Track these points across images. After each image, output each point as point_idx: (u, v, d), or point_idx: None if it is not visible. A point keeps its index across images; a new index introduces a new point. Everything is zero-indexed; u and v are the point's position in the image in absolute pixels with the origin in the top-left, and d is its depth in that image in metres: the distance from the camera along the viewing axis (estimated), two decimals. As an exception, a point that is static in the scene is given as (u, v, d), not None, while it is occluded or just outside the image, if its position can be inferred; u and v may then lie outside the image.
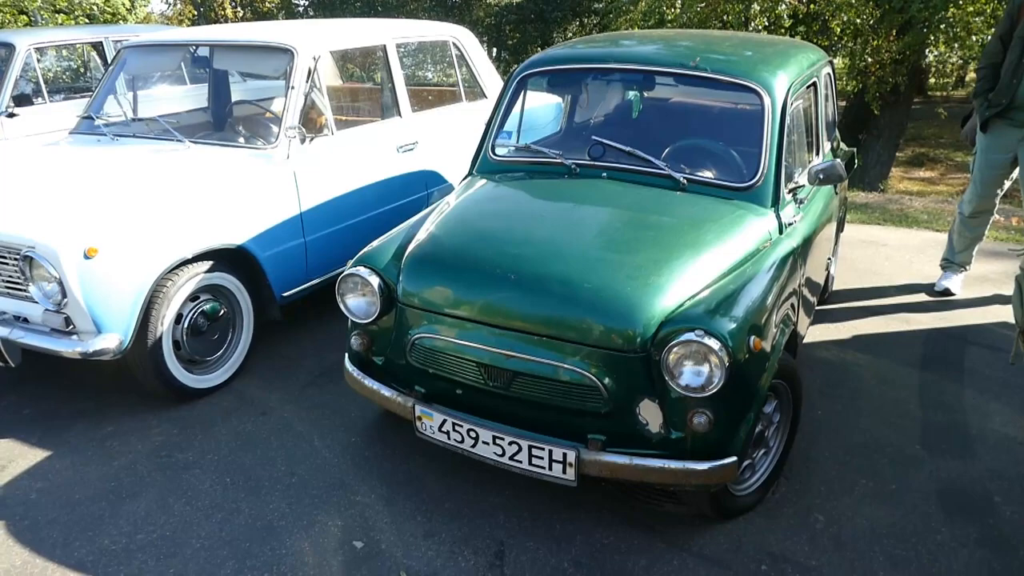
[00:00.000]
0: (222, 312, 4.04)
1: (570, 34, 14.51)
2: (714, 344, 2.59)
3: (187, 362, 3.91)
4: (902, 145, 14.13)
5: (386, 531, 3.03)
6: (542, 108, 5.35)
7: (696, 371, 2.64)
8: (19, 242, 3.43)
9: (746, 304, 2.83)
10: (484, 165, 4.01)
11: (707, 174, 3.61)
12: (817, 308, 4.60)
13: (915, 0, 10.67)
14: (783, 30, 13.13)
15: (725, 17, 12.73)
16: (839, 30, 12.91)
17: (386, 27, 5.27)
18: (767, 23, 13.22)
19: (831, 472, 3.40)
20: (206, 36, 5.05)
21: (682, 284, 2.87)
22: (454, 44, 5.83)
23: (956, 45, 12.54)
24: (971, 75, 15.93)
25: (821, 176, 3.58)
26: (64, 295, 3.41)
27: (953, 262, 5.42)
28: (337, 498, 3.23)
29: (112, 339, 3.51)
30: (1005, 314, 5.04)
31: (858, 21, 12.64)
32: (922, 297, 5.37)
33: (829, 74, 4.67)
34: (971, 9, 10.88)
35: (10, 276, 3.57)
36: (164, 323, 3.71)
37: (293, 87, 4.32)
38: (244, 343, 4.20)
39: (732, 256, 3.09)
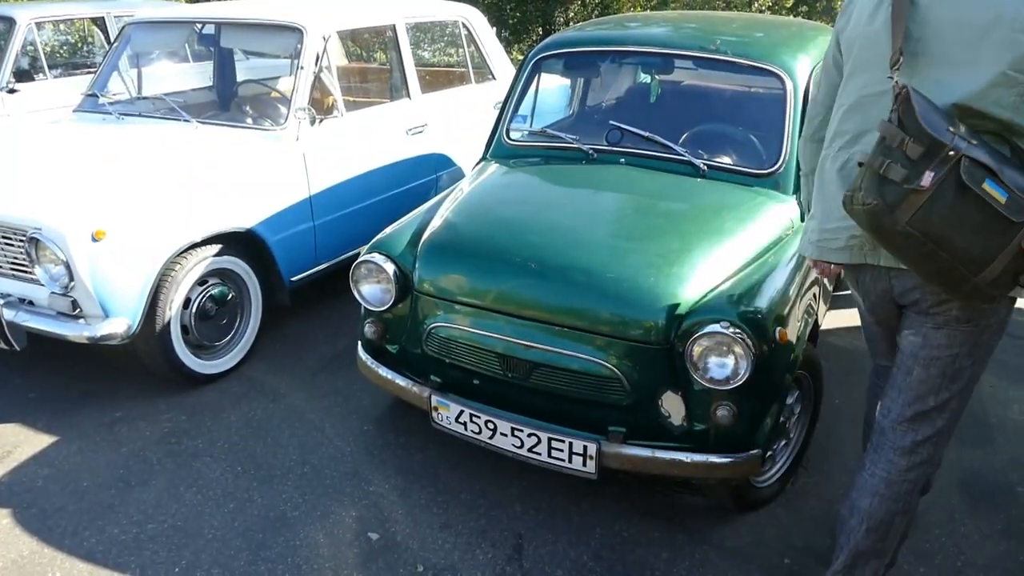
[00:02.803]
0: (230, 296, 3.97)
1: (571, 14, 14.36)
2: (740, 336, 2.54)
3: (195, 347, 3.85)
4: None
5: (402, 522, 2.98)
6: (549, 91, 5.27)
7: (721, 363, 2.60)
8: (25, 223, 3.36)
9: (770, 294, 2.78)
10: (499, 149, 3.94)
11: (727, 160, 3.56)
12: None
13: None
14: (785, 10, 13.03)
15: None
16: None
17: (396, 6, 5.17)
18: (771, 3, 13.12)
19: (851, 462, 3.35)
20: (213, 14, 4.95)
21: (705, 274, 2.82)
22: (463, 24, 5.73)
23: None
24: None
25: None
26: (71, 278, 3.34)
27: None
28: (351, 488, 3.18)
29: (120, 323, 3.45)
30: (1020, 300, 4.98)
31: (864, 2, 12.52)
32: (935, 284, 5.31)
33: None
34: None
35: (15, 258, 3.50)
36: (173, 307, 3.65)
37: (302, 67, 4.24)
38: (252, 328, 4.13)
39: (755, 244, 3.04)
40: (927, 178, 1.80)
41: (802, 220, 3.29)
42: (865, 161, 1.92)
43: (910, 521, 2.44)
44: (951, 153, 1.80)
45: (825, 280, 3.58)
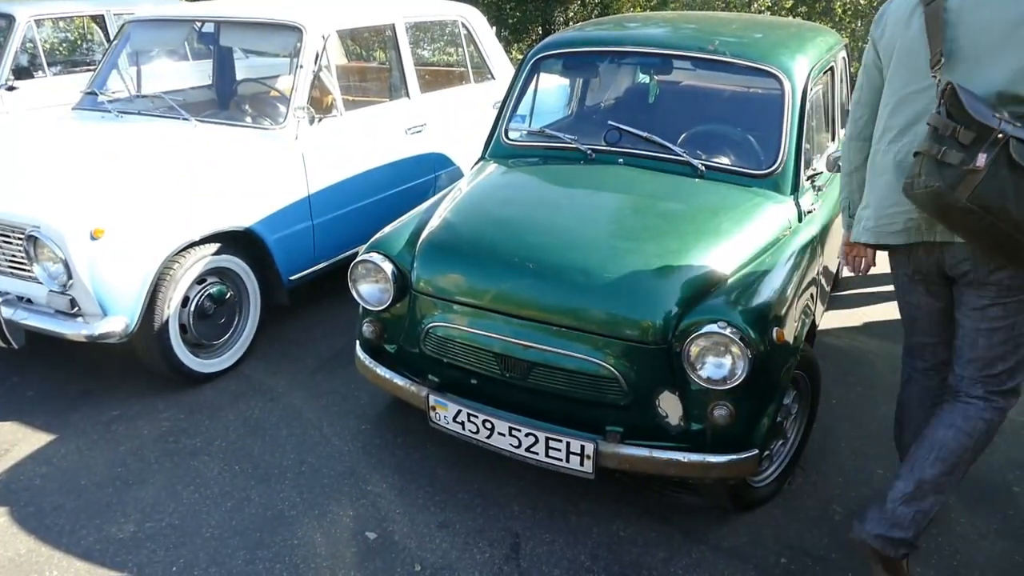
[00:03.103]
0: (228, 295, 3.97)
1: (571, 14, 14.37)
2: (737, 336, 2.55)
3: (193, 346, 3.85)
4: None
5: (399, 522, 2.99)
6: (548, 91, 5.27)
7: (718, 363, 2.60)
8: (24, 221, 3.36)
9: (768, 295, 2.78)
10: (497, 149, 3.94)
11: (725, 160, 3.56)
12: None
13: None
14: (785, 11, 13.04)
15: (730, -3, 12.66)
16: (841, 11, 12.82)
17: (395, 5, 5.17)
18: (770, 3, 13.13)
19: (848, 463, 3.37)
20: (212, 12, 4.95)
21: (703, 274, 2.82)
22: (463, 24, 5.73)
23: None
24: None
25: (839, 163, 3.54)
26: (69, 276, 3.35)
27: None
28: (348, 487, 3.18)
29: (118, 322, 3.45)
30: None
31: (862, 2, 12.56)
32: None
33: (844, 58, 4.61)
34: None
35: (14, 256, 3.50)
36: (171, 306, 3.65)
37: (302, 66, 4.24)
38: (251, 327, 4.13)
39: (752, 245, 3.04)
40: (981, 159, 2.09)
41: (799, 220, 3.31)
42: (921, 150, 2.20)
43: (966, 469, 2.56)
44: (999, 136, 2.08)
45: (823, 280, 3.59)
